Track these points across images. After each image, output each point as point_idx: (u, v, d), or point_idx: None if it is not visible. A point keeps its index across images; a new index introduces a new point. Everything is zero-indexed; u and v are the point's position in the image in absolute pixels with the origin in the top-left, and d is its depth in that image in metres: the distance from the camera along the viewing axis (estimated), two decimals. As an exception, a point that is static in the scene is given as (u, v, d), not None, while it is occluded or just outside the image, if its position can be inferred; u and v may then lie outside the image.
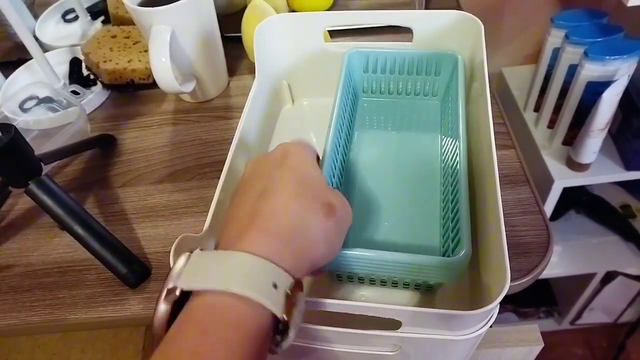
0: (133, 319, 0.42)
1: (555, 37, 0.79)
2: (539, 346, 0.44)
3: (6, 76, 0.66)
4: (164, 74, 0.51)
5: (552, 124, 0.87)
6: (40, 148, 0.48)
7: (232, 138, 0.42)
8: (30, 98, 0.63)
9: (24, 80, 0.66)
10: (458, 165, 0.38)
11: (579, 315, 1.28)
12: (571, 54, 0.76)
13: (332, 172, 0.40)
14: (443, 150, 0.45)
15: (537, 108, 0.90)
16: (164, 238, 0.47)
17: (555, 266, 1.09)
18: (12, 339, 0.59)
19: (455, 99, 0.43)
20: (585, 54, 0.72)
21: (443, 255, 0.37)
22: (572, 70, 0.77)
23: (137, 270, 0.43)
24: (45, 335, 0.58)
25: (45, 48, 0.67)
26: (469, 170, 0.38)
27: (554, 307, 1.33)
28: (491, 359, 0.45)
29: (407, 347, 0.31)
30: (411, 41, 0.50)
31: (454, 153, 0.41)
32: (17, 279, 0.46)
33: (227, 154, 0.40)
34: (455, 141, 0.41)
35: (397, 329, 0.30)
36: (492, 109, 0.39)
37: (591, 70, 0.73)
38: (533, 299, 1.33)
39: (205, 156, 0.55)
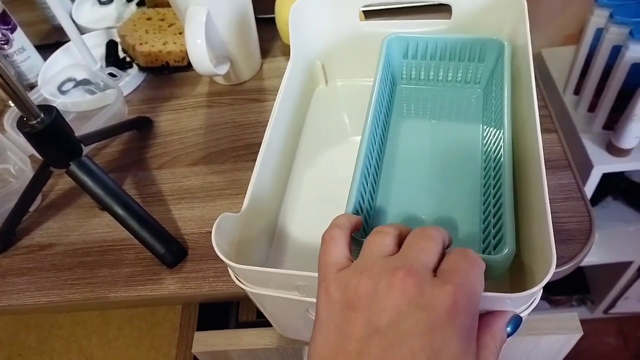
0: (170, 297, 0.43)
1: (598, 17, 0.76)
2: (578, 334, 0.43)
3: (45, 58, 0.67)
4: (200, 56, 0.51)
5: (592, 108, 0.84)
6: (79, 130, 0.49)
7: (266, 121, 0.42)
8: (68, 80, 0.64)
9: (61, 63, 0.67)
10: (502, 158, 0.37)
11: (613, 304, 1.25)
12: (615, 34, 0.73)
13: (368, 163, 0.39)
14: (485, 141, 0.44)
15: (578, 91, 0.87)
16: (199, 219, 0.48)
17: (591, 254, 1.05)
18: (52, 315, 0.61)
19: (501, 88, 0.42)
20: (631, 34, 0.69)
21: (484, 251, 0.36)
22: (616, 51, 0.74)
23: (174, 251, 0.44)
24: (84, 313, 0.59)
25: (81, 30, 0.67)
26: (512, 156, 0.36)
27: (587, 296, 1.30)
28: (527, 347, 0.44)
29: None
30: (449, 18, 0.48)
31: (497, 144, 0.40)
32: (59, 257, 0.47)
33: (261, 137, 0.40)
34: (499, 132, 0.39)
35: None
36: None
37: (636, 52, 0.70)
38: (565, 287, 1.30)
39: (239, 139, 0.55)
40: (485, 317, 0.27)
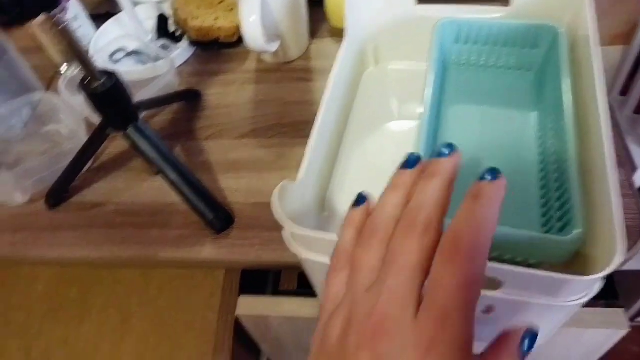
0: (216, 261, 0.45)
1: (652, 17, 0.74)
2: (623, 331, 0.42)
3: (95, 28, 0.68)
4: (254, 32, 0.52)
5: (639, 110, 0.82)
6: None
7: (312, 100, 0.42)
8: (119, 50, 0.66)
9: (112, 33, 0.69)
10: (562, 142, 0.36)
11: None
12: (669, 34, 0.71)
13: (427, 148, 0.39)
14: (540, 127, 0.43)
15: (624, 92, 0.85)
16: (246, 190, 0.49)
17: (622, 260, 1.04)
18: (94, 273, 0.61)
19: (556, 74, 0.41)
20: (686, 35, 0.68)
21: (547, 233, 0.36)
22: (669, 52, 0.72)
23: (222, 217, 0.45)
24: (125, 272, 0.60)
25: (133, 2, 0.68)
26: (575, 141, 0.36)
27: (615, 302, 1.28)
28: (569, 340, 0.44)
29: (500, 310, 0.31)
30: (507, 5, 0.48)
31: (555, 130, 0.39)
32: (110, 216, 0.49)
33: (307, 115, 0.41)
34: (556, 119, 0.39)
35: (496, 289, 0.30)
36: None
37: (691, 53, 0.68)
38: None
39: (286, 116, 0.55)
40: (495, 345, 0.24)
